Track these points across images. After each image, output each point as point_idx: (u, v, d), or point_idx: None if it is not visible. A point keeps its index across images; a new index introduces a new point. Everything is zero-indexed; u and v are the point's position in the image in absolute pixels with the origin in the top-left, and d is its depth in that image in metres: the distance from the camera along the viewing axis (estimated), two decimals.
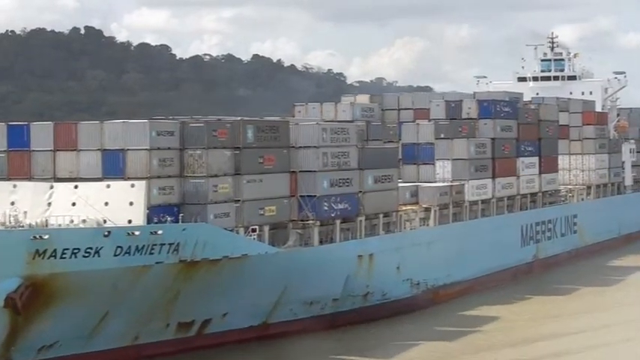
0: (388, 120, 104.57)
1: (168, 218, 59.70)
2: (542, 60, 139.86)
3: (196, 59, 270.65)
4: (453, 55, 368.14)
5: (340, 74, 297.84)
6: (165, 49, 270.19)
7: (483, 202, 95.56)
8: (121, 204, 58.76)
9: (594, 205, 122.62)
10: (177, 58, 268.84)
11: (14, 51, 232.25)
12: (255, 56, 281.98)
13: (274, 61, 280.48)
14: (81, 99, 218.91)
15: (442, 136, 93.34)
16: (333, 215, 72.85)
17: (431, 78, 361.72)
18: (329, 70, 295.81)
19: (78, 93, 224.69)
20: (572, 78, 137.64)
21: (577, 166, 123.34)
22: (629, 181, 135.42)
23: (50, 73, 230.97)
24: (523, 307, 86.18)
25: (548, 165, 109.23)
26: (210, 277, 62.98)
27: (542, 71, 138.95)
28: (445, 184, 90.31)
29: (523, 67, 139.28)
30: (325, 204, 71.76)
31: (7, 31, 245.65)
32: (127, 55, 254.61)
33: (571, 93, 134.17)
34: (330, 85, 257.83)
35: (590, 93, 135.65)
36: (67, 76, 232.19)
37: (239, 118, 66.70)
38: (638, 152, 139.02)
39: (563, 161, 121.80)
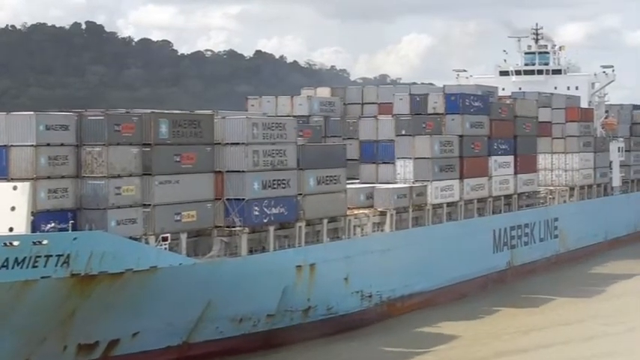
0: (351, 115, 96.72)
1: (49, 225, 51.50)
2: (525, 53, 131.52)
3: (198, 55, 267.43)
4: (460, 52, 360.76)
5: (343, 71, 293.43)
6: (166, 44, 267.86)
7: (449, 205, 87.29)
8: (1, 209, 50.67)
9: (578, 208, 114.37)
10: (179, 53, 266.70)
11: (14, 46, 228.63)
12: (258, 52, 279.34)
13: (277, 57, 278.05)
14: (81, 94, 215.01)
15: (403, 132, 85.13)
16: (265, 221, 64.60)
17: (437, 75, 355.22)
18: (332, 66, 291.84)
19: (78, 89, 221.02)
20: (557, 72, 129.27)
21: (560, 166, 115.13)
22: (616, 182, 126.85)
23: (50, 69, 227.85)
24: (488, 321, 78.10)
25: (525, 165, 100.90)
26: (112, 292, 54.91)
27: (526, 65, 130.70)
28: (404, 185, 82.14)
29: (505, 61, 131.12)
30: (256, 208, 63.53)
31: (7, 25, 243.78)
32: (128, 50, 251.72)
33: (556, 88, 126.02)
34: (332, 82, 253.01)
35: (577, 88, 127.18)
36: (68, 71, 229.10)
37: (149, 111, 58.39)
38: (627, 151, 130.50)
39: (545, 160, 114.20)
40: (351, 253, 72.87)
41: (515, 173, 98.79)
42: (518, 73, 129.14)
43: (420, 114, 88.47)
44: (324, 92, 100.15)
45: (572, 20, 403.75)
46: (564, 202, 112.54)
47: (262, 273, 63.77)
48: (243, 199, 62.63)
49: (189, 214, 59.65)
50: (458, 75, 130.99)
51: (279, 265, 65.43)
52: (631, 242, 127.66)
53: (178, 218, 58.88)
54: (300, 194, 68.02)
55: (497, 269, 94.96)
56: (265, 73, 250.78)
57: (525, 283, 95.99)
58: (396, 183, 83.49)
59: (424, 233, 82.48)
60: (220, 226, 62.43)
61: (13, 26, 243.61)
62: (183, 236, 59.32)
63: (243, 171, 62.76)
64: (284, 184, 65.84)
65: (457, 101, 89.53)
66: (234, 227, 62.44)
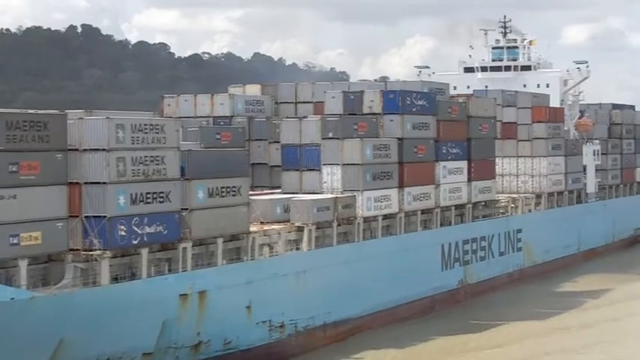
0: (282, 115, 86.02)
1: None
2: (493, 48, 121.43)
3: (195, 58, 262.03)
4: (464, 53, 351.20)
5: (343, 73, 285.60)
6: (163, 47, 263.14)
7: (386, 217, 76.59)
8: None
9: (545, 217, 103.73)
10: (176, 56, 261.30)
11: (9, 49, 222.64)
12: (256, 54, 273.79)
13: (275, 59, 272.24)
14: (77, 98, 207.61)
15: (331, 135, 74.30)
16: (135, 242, 53.75)
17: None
18: (331, 68, 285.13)
19: (74, 92, 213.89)
20: (527, 68, 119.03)
21: (526, 171, 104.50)
22: (591, 187, 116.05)
23: (46, 72, 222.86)
24: (419, 352, 67.45)
25: (481, 170, 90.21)
26: None
27: (494, 60, 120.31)
28: (326, 196, 71.39)
29: (471, 56, 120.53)
30: (122, 227, 52.71)
31: (1, 29, 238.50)
32: (125, 53, 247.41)
33: (525, 85, 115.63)
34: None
35: (547, 85, 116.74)
36: (63, 74, 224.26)
37: None
38: (604, 154, 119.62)
39: (510, 165, 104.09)
40: (255, 276, 62.18)
41: (469, 180, 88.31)
42: (484, 69, 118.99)
43: (355, 114, 78.05)
44: (253, 90, 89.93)
45: (575, 22, 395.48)
46: (529, 211, 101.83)
47: (132, 304, 53.16)
48: (105, 217, 51.91)
49: (32, 235, 48.97)
50: (420, 72, 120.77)
51: (156, 295, 54.74)
52: (608, 253, 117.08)
53: (15, 241, 48.14)
54: (186, 209, 57.30)
55: (447, 288, 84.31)
56: (263, 75, 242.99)
57: (481, 303, 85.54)
58: (322, 193, 72.89)
59: (351, 250, 71.80)
60: (77, 250, 51.71)
61: (7, 30, 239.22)
62: (23, 263, 48.61)
63: (104, 182, 52.00)
64: (162, 197, 55.07)
65: (396, 99, 78.98)
66: (92, 251, 51.72)
